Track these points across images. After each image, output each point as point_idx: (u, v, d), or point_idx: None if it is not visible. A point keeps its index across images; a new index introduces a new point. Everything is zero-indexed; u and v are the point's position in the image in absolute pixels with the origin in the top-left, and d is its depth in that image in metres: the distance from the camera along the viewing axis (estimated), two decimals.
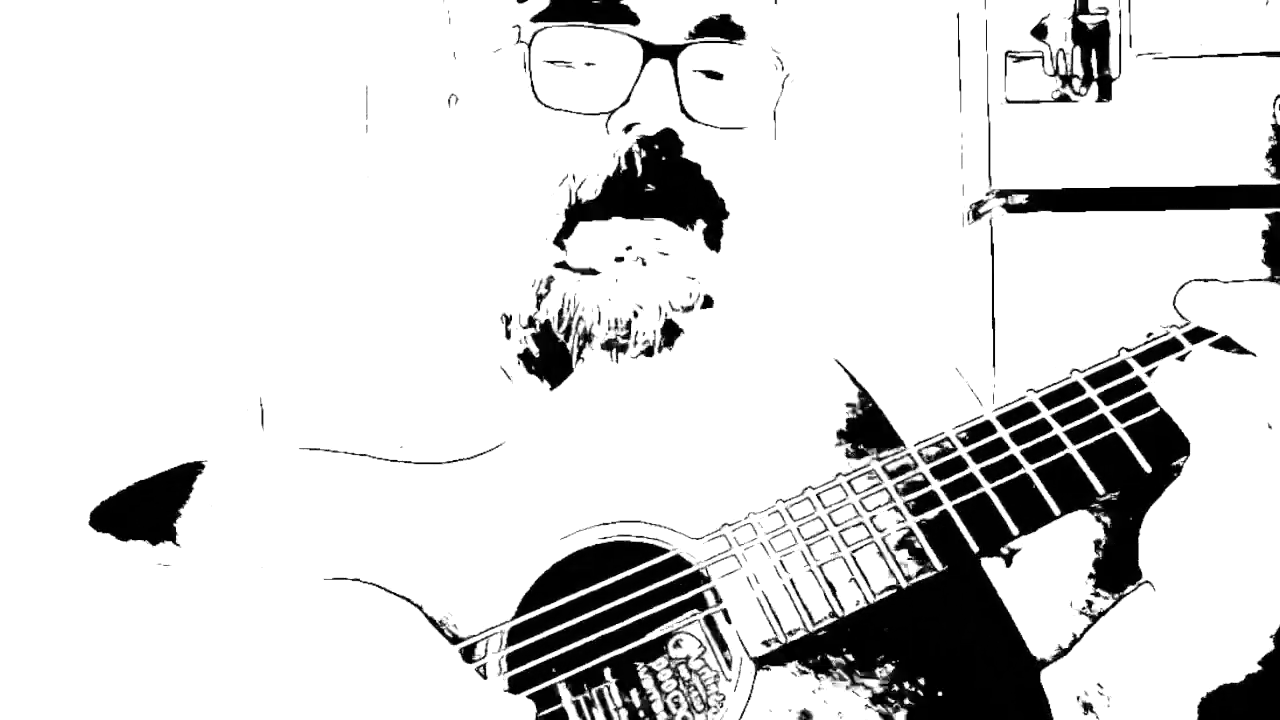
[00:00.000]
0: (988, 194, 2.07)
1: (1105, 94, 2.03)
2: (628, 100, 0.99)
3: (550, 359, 1.04)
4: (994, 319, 2.06)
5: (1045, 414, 0.84)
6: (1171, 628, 0.81)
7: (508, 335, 1.05)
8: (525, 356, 1.06)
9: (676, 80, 0.99)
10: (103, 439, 1.07)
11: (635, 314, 1.00)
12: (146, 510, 0.93)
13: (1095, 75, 2.02)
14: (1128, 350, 0.85)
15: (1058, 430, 0.83)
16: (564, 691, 0.89)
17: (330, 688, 0.82)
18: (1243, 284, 0.80)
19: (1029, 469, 0.83)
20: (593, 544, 0.92)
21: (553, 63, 1.01)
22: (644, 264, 1.00)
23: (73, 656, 0.84)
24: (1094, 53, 2.02)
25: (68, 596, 0.86)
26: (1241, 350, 0.79)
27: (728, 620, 0.88)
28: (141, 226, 1.78)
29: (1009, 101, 2.06)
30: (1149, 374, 0.83)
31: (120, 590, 0.86)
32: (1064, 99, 2.04)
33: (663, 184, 0.99)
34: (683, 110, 0.99)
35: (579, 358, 1.02)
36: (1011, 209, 2.05)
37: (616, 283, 1.00)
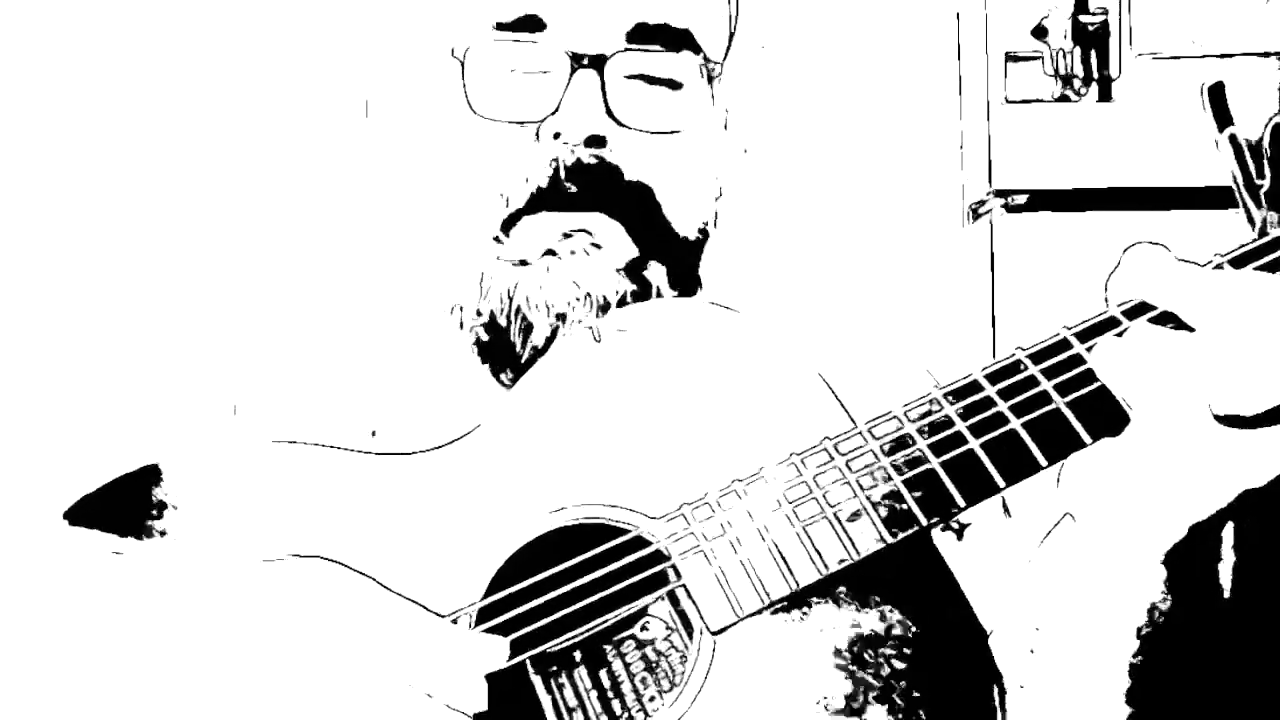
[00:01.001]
0: (988, 194, 2.07)
1: (1105, 94, 2.03)
2: (557, 109, 1.03)
3: (500, 348, 1.07)
4: (994, 319, 2.06)
5: (989, 390, 0.85)
6: (1095, 559, 0.83)
7: (461, 326, 1.08)
8: (479, 345, 1.09)
9: (604, 88, 1.03)
10: (71, 435, 1.09)
11: (570, 305, 1.03)
12: (116, 508, 0.94)
13: (1095, 75, 2.03)
14: (1067, 328, 0.86)
15: (1002, 406, 0.85)
16: (534, 674, 0.90)
17: (301, 655, 0.83)
18: (1187, 265, 0.82)
19: (974, 444, 0.84)
20: (557, 528, 0.94)
21: (487, 76, 1.05)
22: (574, 254, 1.03)
23: (42, 649, 0.85)
24: (1094, 53, 2.02)
25: (34, 593, 0.87)
26: (1179, 325, 0.81)
27: (689, 597, 0.89)
28: (116, 226, 1.79)
29: (1009, 101, 2.06)
30: (1089, 350, 0.84)
31: (87, 583, 0.87)
32: (1064, 99, 2.04)
33: (586, 186, 1.03)
34: (610, 116, 1.03)
35: (524, 346, 1.05)
36: (1011, 209, 2.05)
37: (548, 272, 1.04)
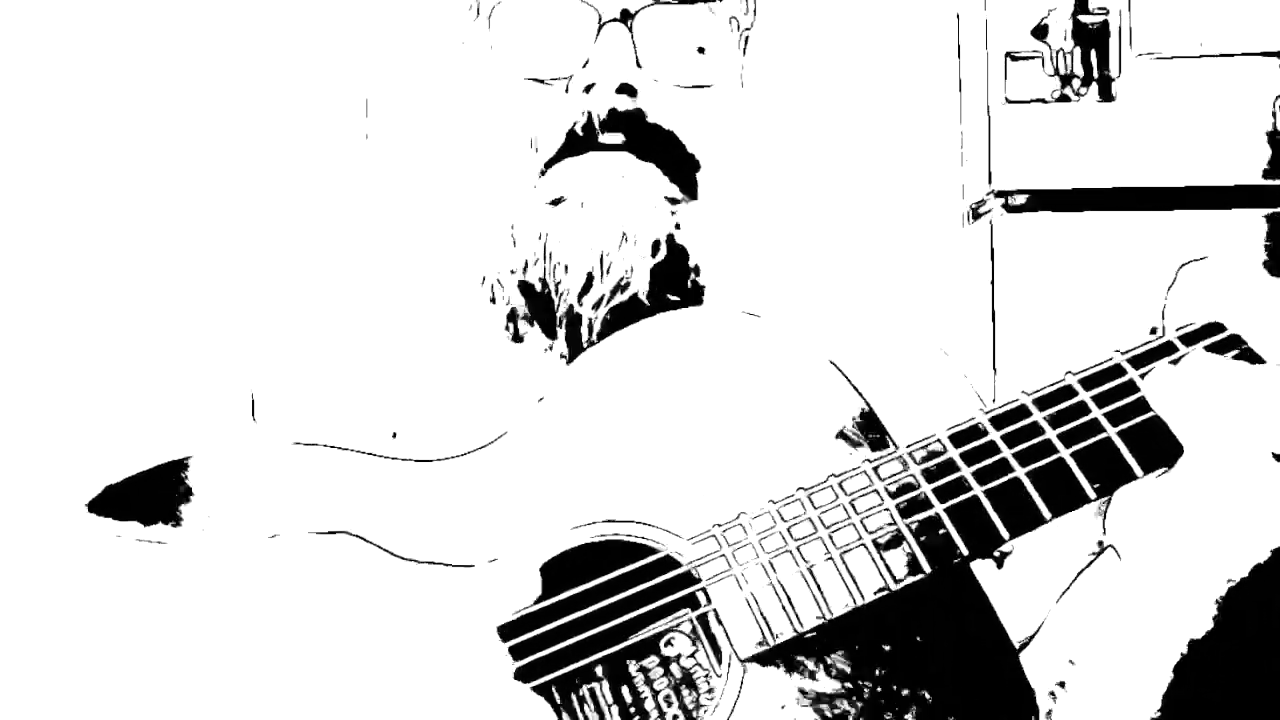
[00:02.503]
0: (988, 194, 2.06)
1: (1105, 94, 2.03)
2: (586, 64, 1.03)
3: (538, 308, 1.06)
4: (994, 319, 2.06)
5: (1038, 416, 0.83)
6: (1139, 595, 0.82)
7: (493, 300, 1.07)
8: (512, 316, 1.07)
9: (633, 42, 1.03)
10: (94, 433, 1.08)
11: (609, 244, 1.02)
12: (139, 503, 0.93)
13: (1095, 75, 2.02)
14: (1121, 353, 0.84)
15: (1050, 434, 0.82)
16: (556, 690, 0.89)
17: (325, 631, 0.83)
18: (1252, 280, 0.79)
19: (1020, 472, 0.82)
20: (584, 543, 0.92)
21: (513, 32, 1.06)
22: (611, 190, 1.03)
23: (69, 642, 0.85)
24: (1094, 53, 2.02)
25: (59, 585, 0.87)
26: (1239, 355, 0.79)
27: (718, 621, 0.87)
28: (130, 224, 1.78)
29: (1009, 101, 2.06)
30: (1143, 377, 0.82)
31: (112, 576, 0.87)
32: (1064, 99, 2.04)
33: (619, 132, 1.03)
34: (640, 68, 1.04)
35: (559, 295, 1.04)
36: (1011, 209, 2.05)
37: (582, 207, 1.03)
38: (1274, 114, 1.71)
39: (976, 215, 2.08)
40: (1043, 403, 0.83)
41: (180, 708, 0.83)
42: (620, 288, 1.04)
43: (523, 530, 0.92)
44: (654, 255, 1.03)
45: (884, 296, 2.02)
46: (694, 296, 1.07)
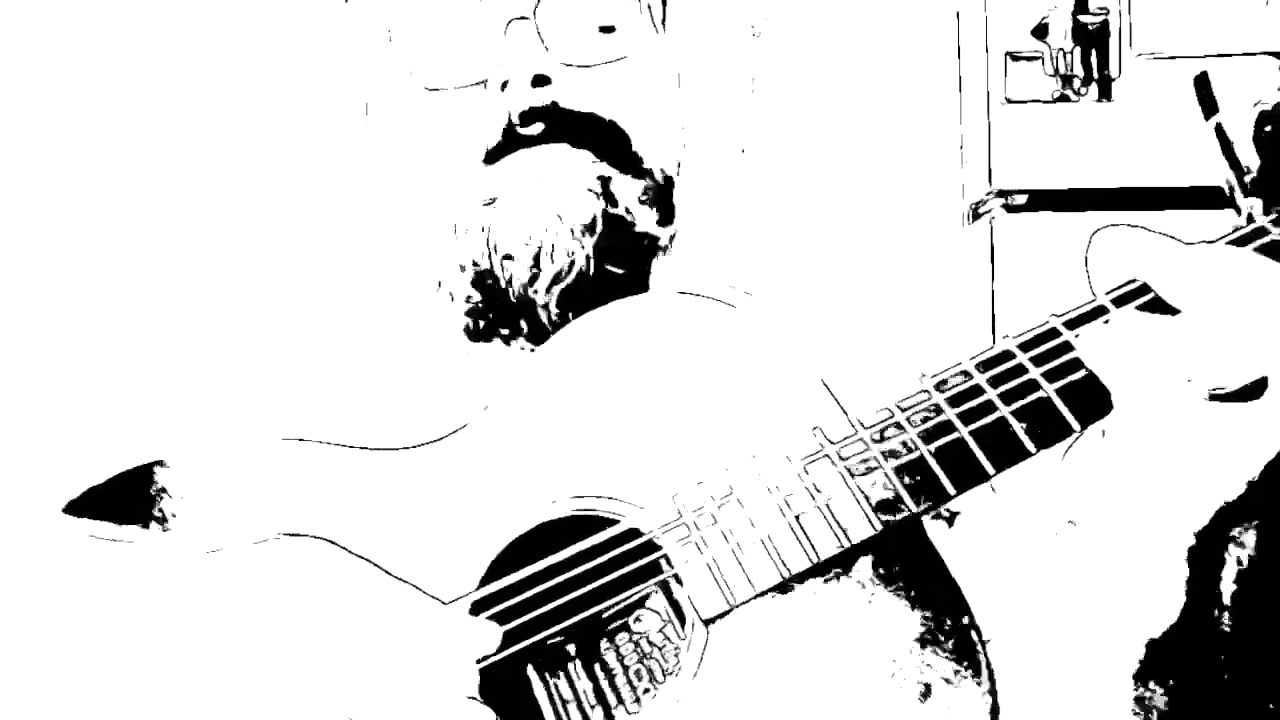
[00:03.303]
0: (988, 194, 2.07)
1: (1105, 94, 2.03)
2: (499, 64, 1.07)
3: (493, 301, 1.08)
4: (994, 319, 2.06)
5: (979, 378, 0.86)
6: (1103, 558, 0.84)
7: (451, 299, 1.09)
8: (474, 313, 1.09)
9: (539, 34, 1.07)
10: (70, 434, 1.09)
11: (545, 230, 1.04)
12: (118, 503, 0.95)
13: (1095, 75, 2.02)
14: (1057, 316, 0.87)
15: (991, 394, 0.86)
16: (530, 667, 0.91)
17: (294, 635, 0.84)
18: (1169, 242, 0.82)
19: (963, 431, 0.85)
20: (550, 520, 0.94)
21: (427, 47, 1.10)
22: (541, 181, 1.05)
23: (26, 645, 0.86)
24: (1094, 53, 2.02)
25: (37, 586, 0.88)
26: (1163, 310, 0.82)
27: (680, 585, 0.89)
28: (105, 225, 1.79)
29: (1009, 101, 2.06)
30: (1076, 338, 0.85)
31: (87, 576, 0.87)
32: (1064, 99, 2.04)
33: (542, 125, 1.07)
34: (549, 55, 1.08)
35: (509, 285, 1.06)
36: (1011, 209, 2.05)
37: (517, 200, 1.07)
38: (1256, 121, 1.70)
39: (976, 215, 2.08)
40: (983, 366, 0.86)
41: (146, 712, 0.84)
42: (567, 269, 1.06)
43: (493, 512, 0.94)
44: (591, 234, 1.05)
45: (884, 296, 2.02)
46: (641, 267, 1.10)
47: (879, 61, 2.06)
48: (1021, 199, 2.05)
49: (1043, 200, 2.05)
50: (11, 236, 1.76)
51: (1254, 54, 1.99)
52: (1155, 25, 2.02)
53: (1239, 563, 0.86)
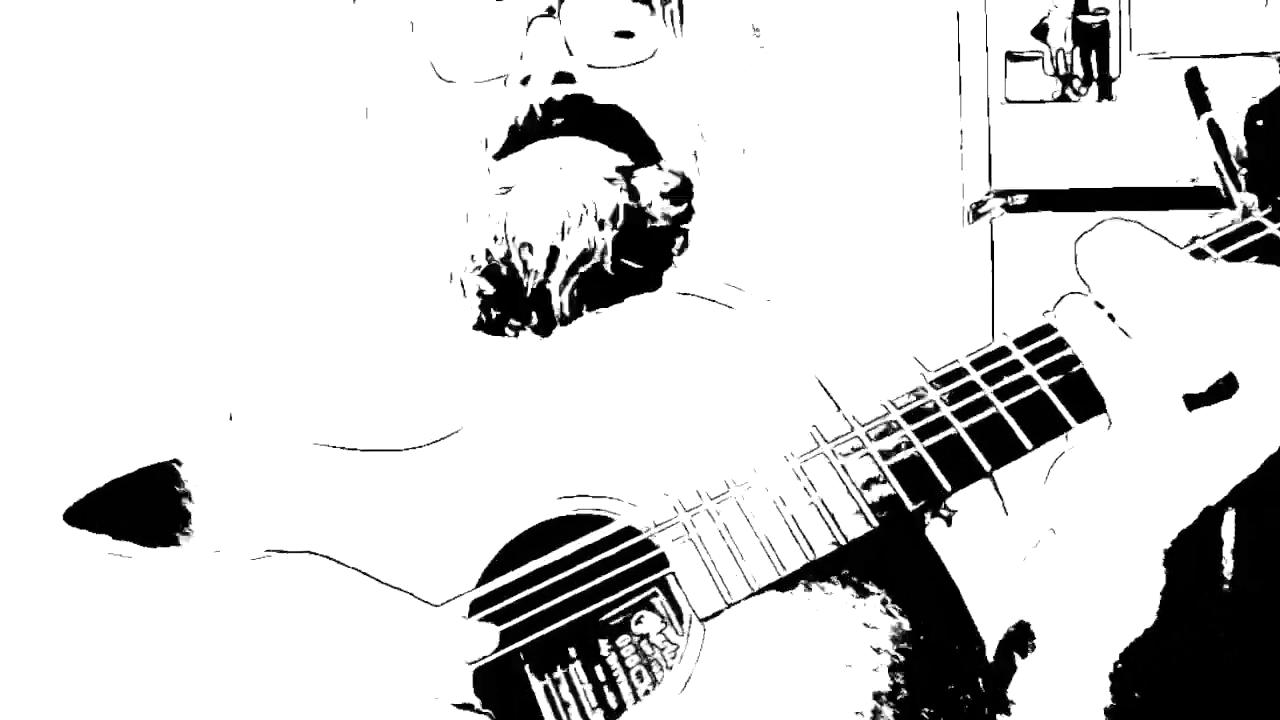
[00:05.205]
0: (988, 194, 2.07)
1: (1105, 94, 2.03)
2: (521, 57, 1.06)
3: (508, 292, 1.07)
4: (994, 319, 2.06)
5: (974, 375, 0.86)
6: (1079, 573, 0.83)
7: (464, 294, 1.08)
8: (485, 305, 1.08)
9: (563, 34, 1.06)
10: (68, 438, 1.09)
11: (568, 215, 1.04)
12: (121, 507, 0.95)
13: (1095, 75, 2.03)
14: (1049, 313, 0.88)
15: (986, 390, 0.85)
16: (529, 669, 0.91)
17: (289, 650, 0.84)
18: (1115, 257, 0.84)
19: (959, 428, 0.85)
20: (547, 519, 0.94)
21: (447, 40, 1.08)
22: (560, 171, 1.05)
23: (45, 651, 0.86)
24: (1094, 53, 2.02)
25: (38, 593, 0.88)
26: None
27: (678, 584, 0.89)
28: (104, 228, 1.79)
29: (1009, 101, 2.06)
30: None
31: (91, 584, 0.88)
32: (1064, 99, 2.04)
33: (561, 118, 1.05)
34: (573, 56, 1.06)
35: (526, 273, 1.05)
36: (1011, 209, 2.05)
37: (538, 188, 1.05)
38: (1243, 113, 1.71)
39: (976, 215, 2.08)
40: (979, 363, 0.87)
41: None
42: (586, 259, 1.05)
43: (490, 512, 0.94)
44: (613, 225, 1.04)
45: (884, 296, 2.02)
46: (658, 263, 1.09)
47: (879, 62, 2.06)
48: (1021, 199, 2.05)
49: (1043, 200, 2.05)
50: (19, 234, 1.77)
51: (1254, 54, 1.99)
52: (1155, 25, 2.03)
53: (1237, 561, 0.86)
